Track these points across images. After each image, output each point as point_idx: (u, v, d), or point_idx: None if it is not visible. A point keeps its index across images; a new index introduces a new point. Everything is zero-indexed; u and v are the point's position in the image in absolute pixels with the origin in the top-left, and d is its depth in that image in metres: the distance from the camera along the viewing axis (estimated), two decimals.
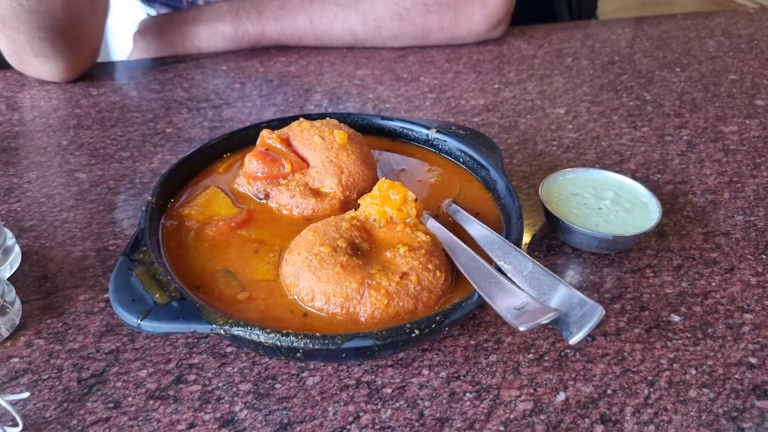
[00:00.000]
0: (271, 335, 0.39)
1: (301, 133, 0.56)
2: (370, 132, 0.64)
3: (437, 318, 0.41)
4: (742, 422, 0.43)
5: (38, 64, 0.85)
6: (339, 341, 0.39)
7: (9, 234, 0.55)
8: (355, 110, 0.83)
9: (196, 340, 0.48)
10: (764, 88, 0.89)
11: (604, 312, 0.37)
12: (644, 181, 0.68)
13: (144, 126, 0.79)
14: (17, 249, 0.55)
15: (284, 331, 0.40)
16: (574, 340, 0.37)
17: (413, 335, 0.40)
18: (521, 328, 0.38)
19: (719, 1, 4.18)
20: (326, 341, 0.39)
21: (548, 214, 0.58)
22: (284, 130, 0.58)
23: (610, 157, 0.73)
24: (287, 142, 0.56)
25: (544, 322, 0.38)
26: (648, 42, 1.05)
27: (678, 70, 0.95)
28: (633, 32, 1.09)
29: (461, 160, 0.61)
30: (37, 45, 0.80)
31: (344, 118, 0.63)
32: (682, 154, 0.73)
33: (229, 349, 0.48)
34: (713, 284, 0.54)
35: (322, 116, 0.60)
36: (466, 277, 0.44)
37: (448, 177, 0.59)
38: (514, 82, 0.91)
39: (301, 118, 0.59)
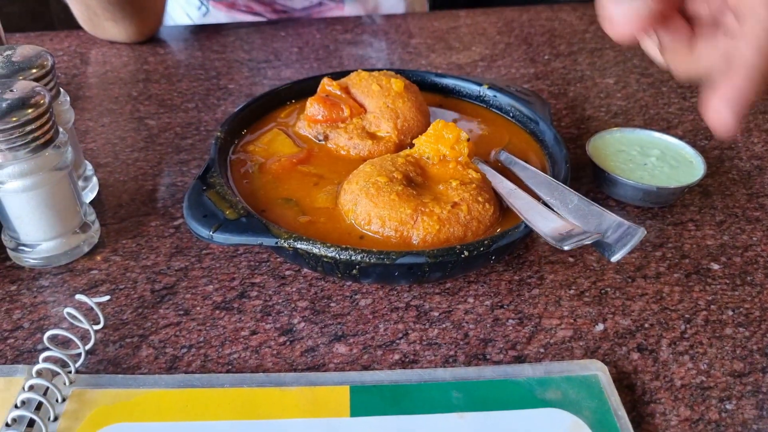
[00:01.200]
0: (331, 249, 0.43)
1: (359, 81, 0.60)
2: (423, 88, 0.67)
3: (485, 242, 0.44)
4: None
5: (109, 27, 0.90)
6: (393, 257, 0.42)
7: (89, 165, 0.60)
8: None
9: (257, 264, 0.52)
10: None
11: (645, 232, 0.40)
12: (691, 145, 0.69)
13: (208, 82, 0.83)
14: (95, 179, 0.60)
15: (343, 246, 0.43)
16: (615, 258, 0.40)
17: (462, 256, 0.43)
18: (565, 247, 0.40)
19: None
20: (382, 256, 0.42)
21: (594, 168, 0.60)
22: (344, 79, 0.61)
23: (657, 124, 0.74)
24: (346, 90, 0.59)
25: (587, 242, 0.40)
26: None
27: None
28: None
29: (511, 114, 0.63)
30: (107, 9, 0.85)
31: (399, 73, 0.66)
32: None
33: (288, 272, 0.51)
34: (754, 239, 0.55)
35: (378, 70, 0.63)
36: (512, 207, 0.47)
37: (498, 129, 0.61)
38: (564, 54, 0.92)
39: (359, 70, 0.62)
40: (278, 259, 0.52)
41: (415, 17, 1.06)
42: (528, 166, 0.52)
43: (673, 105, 0.78)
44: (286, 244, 0.44)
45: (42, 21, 1.69)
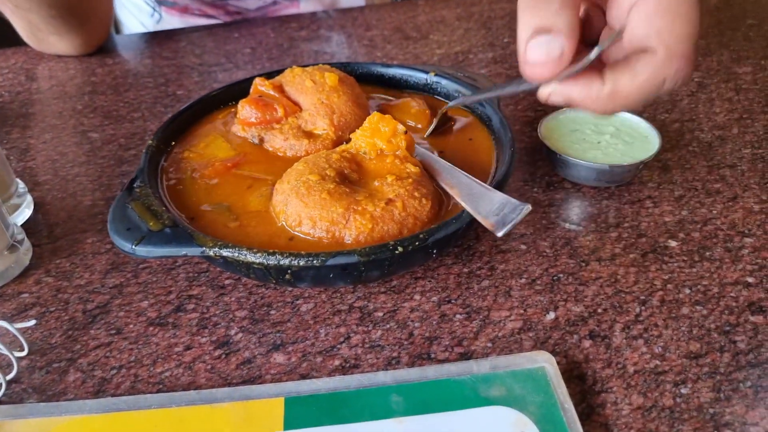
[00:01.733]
0: (258, 254, 0.41)
1: (293, 78, 0.57)
2: (369, 81, 0.65)
3: (420, 236, 0.41)
4: (734, 336, 0.42)
5: (55, 42, 0.87)
6: (323, 258, 0.40)
7: (21, 184, 0.58)
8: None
9: (196, 274, 0.50)
10: None
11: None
12: (651, 120, 0.66)
13: (156, 90, 0.81)
14: (29, 198, 0.58)
15: (270, 251, 0.41)
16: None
17: (396, 252, 0.41)
18: (499, 234, 0.38)
19: None
20: (311, 258, 0.40)
21: (547, 150, 0.57)
22: (277, 78, 0.59)
23: None
24: (280, 89, 0.57)
25: (518, 220, 0.39)
26: None
27: None
28: None
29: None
30: (50, 24, 0.83)
31: (343, 67, 0.64)
32: (692, 95, 0.72)
33: (228, 281, 0.49)
34: (714, 212, 0.53)
35: (315, 64, 0.61)
36: (446, 188, 0.45)
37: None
38: None
39: (294, 66, 0.60)
40: (217, 269, 0.50)
41: (374, 9, 1.04)
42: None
43: None
44: (211, 253, 0.41)
45: (4, 40, 1.66)
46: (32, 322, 0.45)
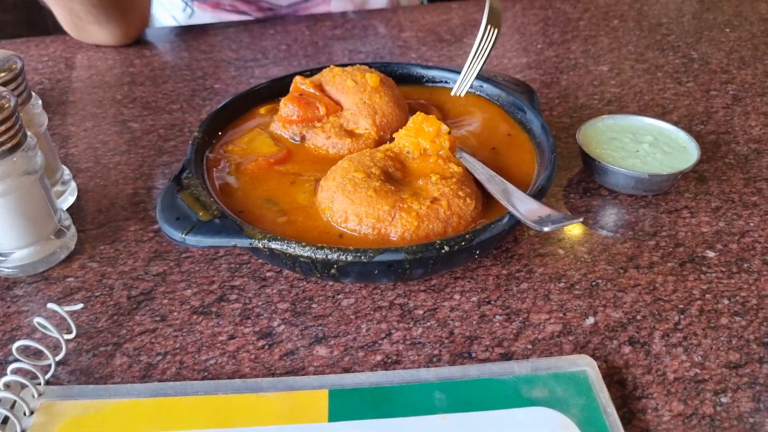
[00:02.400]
0: (306, 248, 0.41)
1: (333, 78, 0.58)
2: (408, 81, 0.65)
3: (466, 236, 0.42)
4: None
5: (95, 31, 0.89)
6: (371, 254, 0.41)
7: (66, 171, 0.59)
8: None
9: (238, 265, 0.51)
10: None
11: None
12: (687, 131, 0.67)
13: (193, 83, 0.82)
14: (73, 184, 0.59)
15: (319, 245, 0.41)
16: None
17: (443, 251, 0.41)
18: (545, 229, 0.39)
19: None
20: (359, 254, 0.41)
21: (585, 157, 0.58)
22: (316, 77, 0.60)
23: (652, 110, 0.72)
24: (320, 88, 0.58)
25: (567, 225, 0.39)
26: (699, 4, 1.02)
27: (728, 30, 0.92)
28: None
29: (499, 104, 0.61)
30: (91, 13, 0.84)
31: (383, 67, 0.65)
32: (727, 107, 0.72)
33: (269, 273, 0.50)
34: (751, 225, 0.54)
35: (352, 64, 0.62)
36: (493, 193, 0.45)
37: (490, 121, 0.60)
38: (557, 43, 0.90)
39: (332, 65, 0.60)
40: (259, 261, 0.51)
41: (407, 11, 1.04)
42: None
43: (668, 90, 0.76)
44: (260, 245, 0.42)
45: (37, 28, 1.68)
46: (79, 306, 0.46)
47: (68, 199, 0.58)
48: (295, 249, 0.42)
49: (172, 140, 0.69)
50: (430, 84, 0.66)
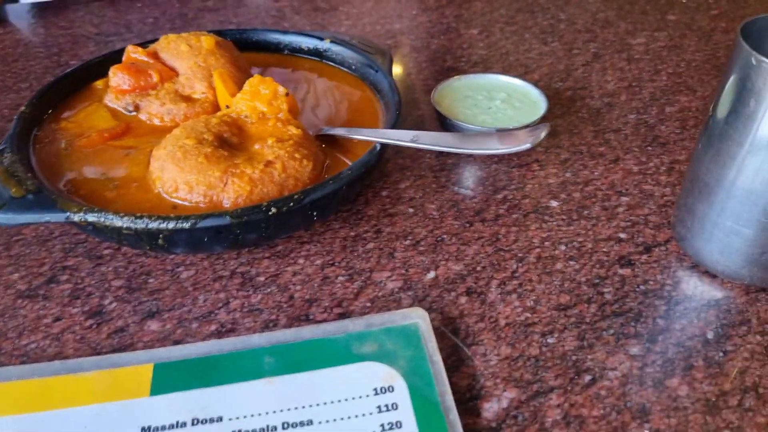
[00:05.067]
0: (125, 219, 0.39)
1: (168, 45, 0.56)
2: (265, 48, 0.64)
3: (295, 197, 0.41)
4: (602, 288, 0.44)
5: None
6: (194, 220, 0.39)
7: None
8: None
9: (73, 245, 0.48)
10: (677, 4, 0.90)
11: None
12: (545, 89, 0.68)
13: (48, 60, 0.77)
14: None
15: (138, 214, 0.39)
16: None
17: (270, 213, 0.40)
18: (528, 145, 0.41)
19: None
20: (181, 221, 0.39)
21: (439, 115, 0.58)
22: (152, 45, 0.57)
23: (515, 69, 0.73)
24: (155, 56, 0.55)
25: (545, 134, 0.42)
26: None
27: None
28: None
29: (354, 67, 0.60)
30: None
31: (239, 34, 0.63)
32: (587, 64, 0.74)
33: (106, 251, 0.47)
34: (596, 174, 0.55)
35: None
36: (458, 150, 0.46)
37: (338, 86, 0.59)
38: (432, 8, 0.90)
39: (168, 34, 0.58)
40: (96, 240, 0.48)
41: None
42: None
43: (533, 51, 0.77)
44: (77, 219, 0.40)
45: None
46: None
47: None
48: (113, 220, 0.39)
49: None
50: (288, 51, 0.64)
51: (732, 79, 0.38)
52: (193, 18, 0.88)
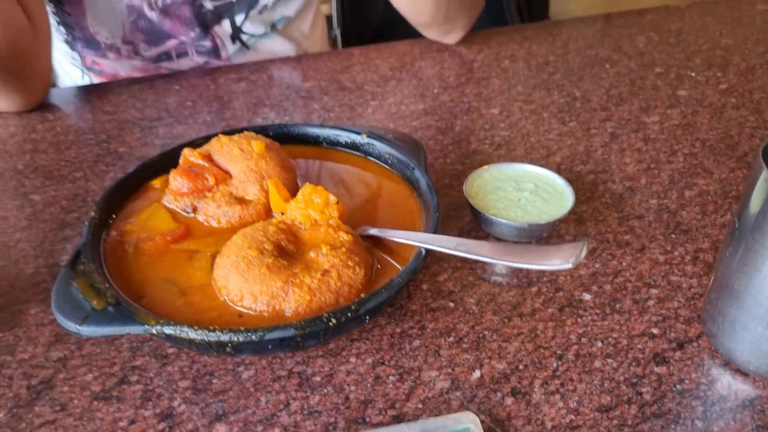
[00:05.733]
0: (199, 332, 0.43)
1: (221, 147, 0.60)
2: (302, 141, 0.68)
3: (353, 307, 0.45)
4: (640, 387, 0.47)
5: None
6: (261, 333, 0.43)
7: None
8: (300, 120, 0.87)
9: (139, 344, 0.52)
10: (687, 79, 0.94)
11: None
12: (568, 172, 0.72)
13: (97, 147, 0.82)
14: None
15: (210, 327, 0.43)
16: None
17: (331, 324, 0.44)
18: (570, 266, 0.44)
19: None
20: (249, 333, 0.43)
21: (472, 208, 0.62)
22: (205, 147, 0.62)
23: (538, 152, 0.77)
24: (209, 158, 0.60)
25: (585, 253, 0.44)
26: (582, 41, 1.10)
27: (608, 66, 1.00)
28: (569, 33, 1.14)
29: (389, 162, 0.64)
30: None
31: (279, 129, 0.67)
32: (605, 146, 0.78)
33: (171, 350, 0.51)
34: (624, 264, 0.58)
35: (241, 131, 0.64)
36: (500, 262, 0.48)
37: (375, 184, 0.63)
38: (453, 86, 0.95)
39: (219, 135, 0.62)
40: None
41: (310, 59, 1.07)
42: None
43: (552, 131, 0.82)
44: (154, 331, 0.44)
45: None
46: None
47: None
48: (188, 333, 0.43)
49: (74, 212, 0.69)
50: (326, 144, 0.68)
51: (755, 196, 0.42)
52: (228, 101, 0.93)
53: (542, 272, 0.57)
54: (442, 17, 0.99)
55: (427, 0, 0.96)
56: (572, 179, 0.63)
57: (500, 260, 0.47)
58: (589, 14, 1.21)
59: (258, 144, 0.59)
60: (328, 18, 1.55)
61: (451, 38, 1.08)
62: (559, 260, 0.44)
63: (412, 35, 1.11)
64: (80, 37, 1.02)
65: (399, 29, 1.26)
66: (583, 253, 0.44)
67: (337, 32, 1.62)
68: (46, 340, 0.52)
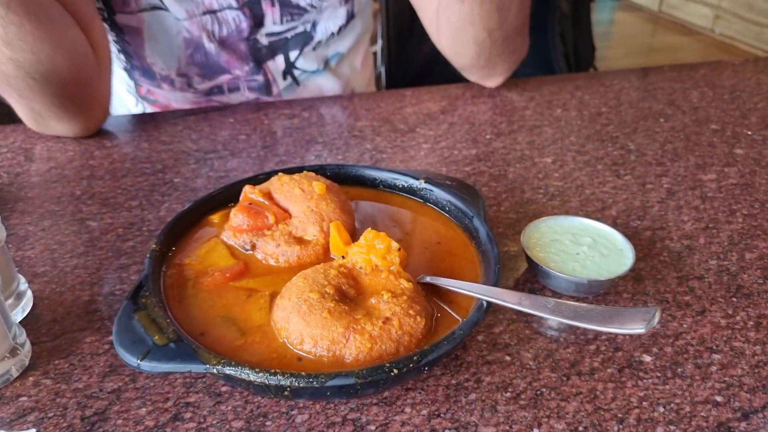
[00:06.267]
0: (260, 374, 0.43)
1: (281, 186, 0.61)
2: (357, 182, 0.69)
3: (414, 358, 0.44)
4: None
5: (56, 125, 0.90)
6: (323, 379, 0.42)
7: (22, 279, 0.59)
8: (353, 160, 0.88)
9: (193, 380, 0.51)
10: (744, 138, 0.93)
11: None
12: (624, 227, 0.71)
13: (153, 176, 0.83)
14: (29, 294, 0.59)
15: (272, 371, 0.43)
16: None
17: (392, 374, 0.43)
18: (644, 330, 0.43)
19: (724, 48, 4.26)
20: (310, 379, 0.42)
21: (529, 260, 0.61)
22: (265, 185, 0.62)
23: (593, 204, 0.76)
24: (269, 196, 0.60)
25: (657, 319, 0.43)
26: (634, 93, 1.09)
27: (662, 120, 0.99)
28: (621, 84, 1.13)
29: (447, 209, 0.64)
30: (51, 110, 0.86)
31: (337, 169, 0.68)
32: (662, 201, 0.77)
33: (224, 389, 0.51)
34: (684, 326, 0.57)
35: (299, 170, 0.64)
36: (569, 323, 0.47)
37: (431, 226, 0.63)
38: (505, 133, 0.95)
39: (279, 173, 0.63)
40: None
41: (362, 98, 1.09)
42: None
43: (607, 183, 0.81)
44: (215, 371, 0.43)
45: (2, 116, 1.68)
46: (32, 431, 0.46)
47: (24, 309, 0.58)
48: (249, 375, 0.43)
49: (130, 240, 0.70)
50: (383, 187, 0.69)
51: None
52: (281, 136, 0.95)
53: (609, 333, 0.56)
54: (484, 61, 1.00)
55: (468, 43, 0.96)
56: (629, 235, 0.63)
57: (569, 321, 0.46)
58: (631, 60, 1.21)
59: (319, 185, 0.60)
60: (374, 56, 1.58)
61: (493, 82, 1.08)
62: (631, 325, 0.43)
63: (457, 78, 1.12)
64: (138, 66, 1.05)
65: (444, 70, 1.27)
66: (656, 319, 0.43)
67: (382, 69, 1.65)
68: (101, 369, 0.53)
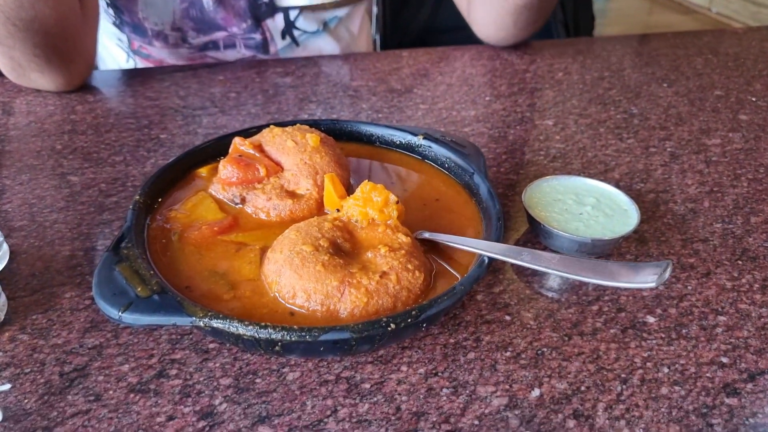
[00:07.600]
0: (250, 327, 0.40)
1: (273, 138, 0.58)
2: (354, 138, 0.66)
3: (413, 313, 0.42)
4: (711, 418, 0.43)
5: (36, 78, 0.86)
6: (316, 333, 0.40)
7: None
8: (348, 119, 0.85)
9: (179, 336, 0.49)
10: (748, 104, 0.90)
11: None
12: (627, 189, 0.69)
13: (138, 132, 0.80)
14: (5, 247, 0.57)
15: (262, 324, 0.40)
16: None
17: (389, 329, 0.41)
18: (653, 285, 0.41)
19: (720, 27, 4.24)
20: (303, 333, 0.40)
21: (531, 219, 0.59)
22: (256, 137, 0.59)
23: (595, 167, 0.74)
24: (260, 148, 0.57)
25: (669, 274, 0.41)
26: (638, 58, 1.06)
27: (665, 85, 0.96)
28: (623, 49, 1.11)
29: (446, 165, 0.62)
30: (33, 61, 0.82)
31: (332, 125, 0.65)
32: (665, 165, 0.74)
33: (212, 345, 0.48)
34: (689, 288, 0.55)
35: (292, 123, 0.61)
36: (573, 277, 0.44)
37: (429, 183, 0.60)
38: (505, 95, 0.92)
39: (271, 125, 0.60)
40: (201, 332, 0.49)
41: (358, 58, 1.05)
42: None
43: (610, 147, 0.78)
44: (201, 324, 0.41)
45: None
46: (7, 386, 0.44)
47: (0, 263, 0.55)
48: (237, 328, 0.41)
49: (113, 196, 0.67)
50: (380, 144, 0.66)
51: None
52: (273, 95, 0.91)
53: (603, 290, 0.54)
54: (516, 30, 1.01)
55: (507, 12, 0.96)
56: (632, 197, 0.60)
57: (575, 276, 0.44)
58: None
59: (313, 138, 0.57)
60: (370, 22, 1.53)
61: (507, 44, 1.08)
62: (641, 279, 0.41)
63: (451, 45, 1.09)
64: (128, 22, 1.00)
65: (439, 39, 1.24)
66: (668, 273, 0.41)
67: (376, 37, 1.61)
68: (81, 325, 0.50)
